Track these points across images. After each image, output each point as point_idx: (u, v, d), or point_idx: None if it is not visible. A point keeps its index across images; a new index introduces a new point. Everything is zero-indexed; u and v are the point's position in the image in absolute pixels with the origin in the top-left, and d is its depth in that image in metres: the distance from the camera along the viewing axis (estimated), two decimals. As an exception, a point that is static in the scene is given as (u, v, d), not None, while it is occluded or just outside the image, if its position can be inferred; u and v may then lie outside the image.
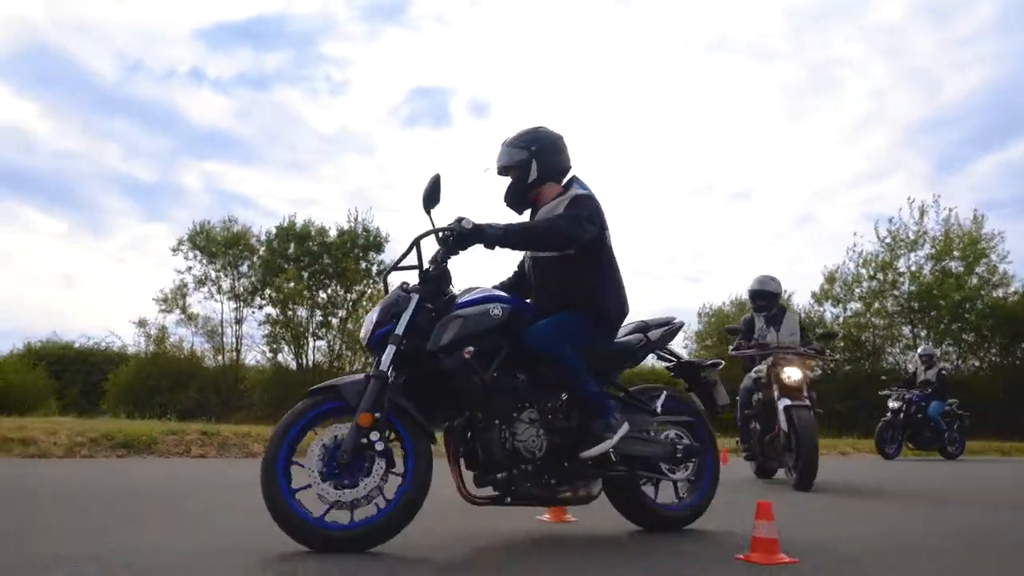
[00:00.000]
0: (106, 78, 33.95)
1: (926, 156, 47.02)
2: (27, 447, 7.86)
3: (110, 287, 36.53)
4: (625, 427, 3.21)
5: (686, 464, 3.50)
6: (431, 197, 3.22)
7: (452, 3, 45.42)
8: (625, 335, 3.60)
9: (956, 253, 24.75)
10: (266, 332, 20.78)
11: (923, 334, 25.53)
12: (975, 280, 24.86)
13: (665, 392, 3.60)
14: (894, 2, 45.32)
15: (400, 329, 3.00)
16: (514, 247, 3.20)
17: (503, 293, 3.39)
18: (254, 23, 40.63)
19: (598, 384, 3.24)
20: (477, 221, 3.08)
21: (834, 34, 46.68)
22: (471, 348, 3.03)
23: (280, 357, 21.28)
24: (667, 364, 3.84)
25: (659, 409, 3.52)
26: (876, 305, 26.20)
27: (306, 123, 41.04)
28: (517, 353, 3.19)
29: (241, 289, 21.07)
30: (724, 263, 45.43)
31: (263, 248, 21.57)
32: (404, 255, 3.25)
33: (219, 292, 21.10)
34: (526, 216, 3.52)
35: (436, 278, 3.17)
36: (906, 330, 26.26)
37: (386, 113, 43.82)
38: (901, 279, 25.65)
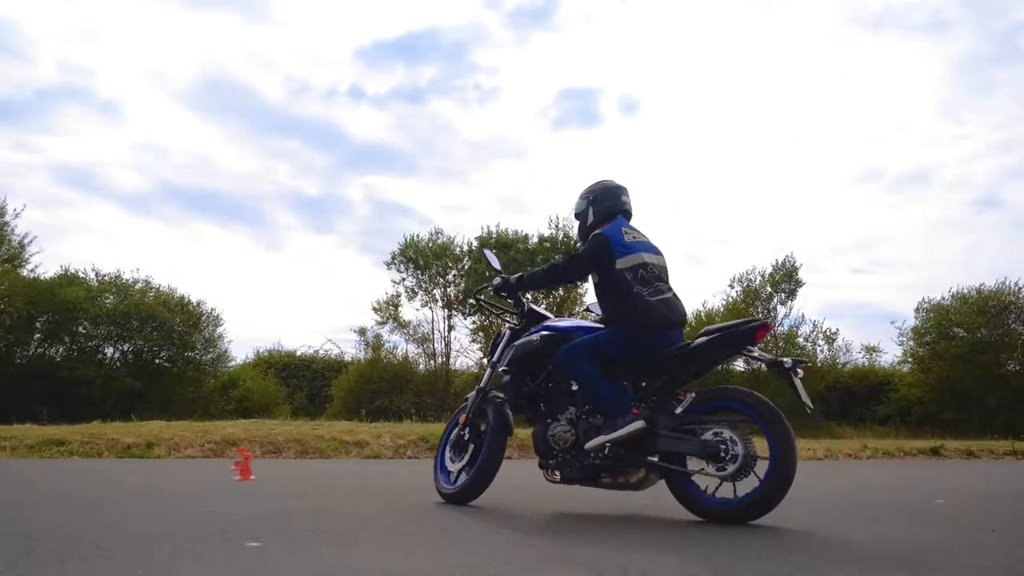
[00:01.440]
0: (276, 101, 36.73)
1: None
2: (362, 449, 8.71)
3: (287, 296, 39.34)
4: (634, 425, 3.71)
5: (729, 462, 3.55)
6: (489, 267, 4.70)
7: (600, 3, 44.56)
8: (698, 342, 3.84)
9: None
10: (478, 339, 21.66)
11: None
12: None
13: (693, 394, 3.83)
14: None
15: (494, 356, 4.45)
16: (534, 289, 5.07)
17: (565, 322, 4.43)
18: (407, 38, 42.29)
19: (612, 387, 3.88)
20: (505, 276, 4.43)
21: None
22: (506, 368, 4.31)
23: (484, 361, 22.10)
24: (762, 362, 3.89)
25: (681, 410, 3.78)
26: None
27: (458, 132, 42.26)
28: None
29: (451, 297, 22.07)
30: (897, 252, 41.79)
31: (466, 257, 22.50)
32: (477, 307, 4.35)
33: (431, 301, 22.21)
34: None
35: (519, 316, 4.51)
36: None
37: (535, 116, 44.15)
38: None
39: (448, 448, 4.44)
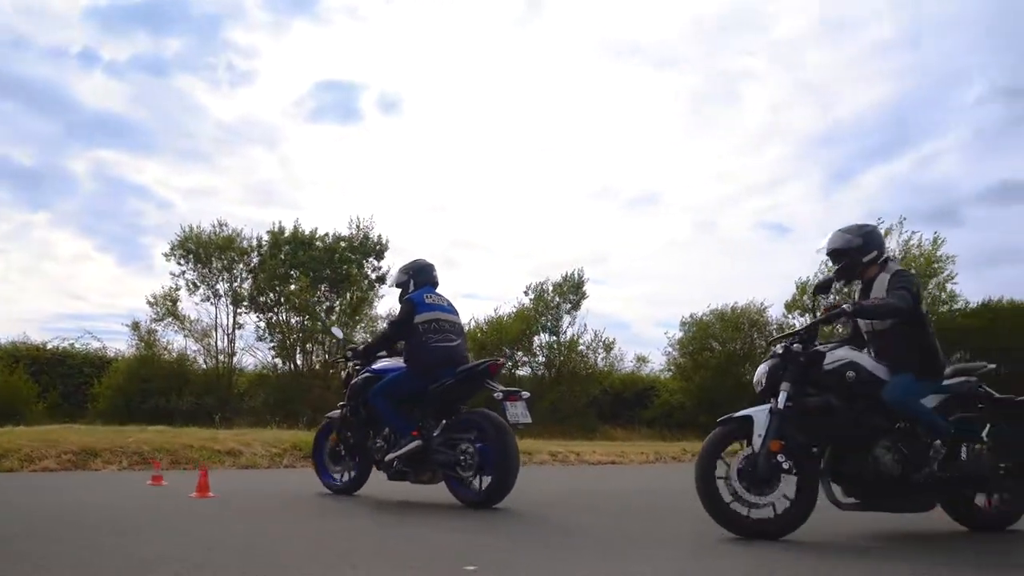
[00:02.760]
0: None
1: (820, 167, 49.85)
2: (236, 458, 8.21)
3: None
4: (412, 445, 5.32)
5: (469, 466, 5.17)
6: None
7: (367, -1, 43.99)
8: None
9: (913, 269, 26.52)
10: (271, 338, 20.77)
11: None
12: (928, 298, 26.72)
13: (453, 417, 5.47)
14: (795, 17, 47.96)
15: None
16: (376, 352, 6.01)
17: (380, 364, 5.90)
18: (151, 4, 38.80)
19: (397, 417, 5.47)
20: (355, 346, 6.15)
21: (736, 46, 48.94)
22: (343, 403, 6.03)
23: (276, 361, 21.27)
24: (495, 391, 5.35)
25: (440, 431, 5.38)
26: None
27: (206, 112, 39.81)
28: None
29: (246, 293, 20.96)
30: (626, 267, 46.59)
31: (255, 253, 21.52)
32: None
33: (215, 296, 20.93)
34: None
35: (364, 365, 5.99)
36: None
37: (291, 105, 42.47)
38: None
39: (327, 457, 6.08)
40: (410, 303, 5.63)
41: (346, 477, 5.93)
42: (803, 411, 4.08)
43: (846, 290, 10.14)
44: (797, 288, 28.72)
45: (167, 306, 20.49)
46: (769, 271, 47.77)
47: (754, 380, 4.36)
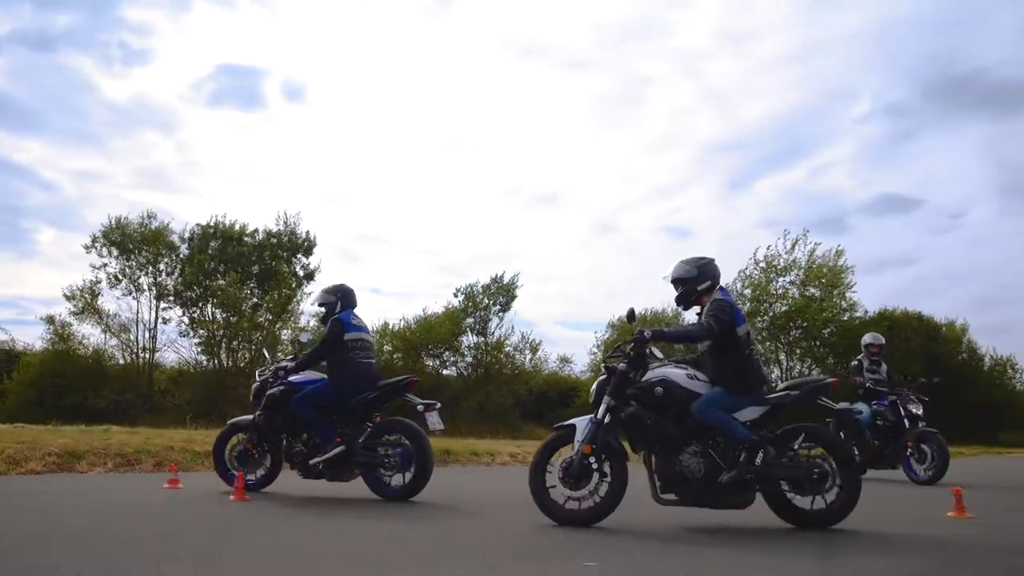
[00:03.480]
0: None
1: (719, 174, 52.47)
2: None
3: None
4: (336, 450, 5.88)
5: (393, 466, 5.87)
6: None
7: (275, -16, 41.97)
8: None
9: (823, 281, 28.29)
10: (193, 334, 20.46)
11: (785, 350, 29.05)
12: (835, 305, 28.56)
13: (375, 423, 6.10)
14: (696, 27, 50.39)
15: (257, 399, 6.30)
16: (308, 367, 6.35)
17: (299, 377, 6.27)
18: None
19: (322, 424, 5.98)
20: (287, 364, 6.41)
21: (640, 52, 51.03)
22: (260, 412, 6.34)
23: (200, 358, 20.97)
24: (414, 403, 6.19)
25: (365, 437, 5.95)
26: (751, 324, 29.42)
27: (97, 91, 38.02)
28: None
29: (172, 288, 20.57)
30: (531, 266, 47.54)
31: (184, 246, 21.19)
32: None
33: (137, 290, 20.50)
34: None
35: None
36: (760, 346, 29.67)
37: (190, 88, 41.26)
38: (777, 301, 28.90)
39: (230, 458, 6.43)
40: (339, 323, 6.15)
41: (255, 477, 6.36)
42: (618, 421, 4.72)
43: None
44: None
45: (85, 300, 19.92)
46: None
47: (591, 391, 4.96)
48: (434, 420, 5.97)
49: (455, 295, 24.86)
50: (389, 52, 49.04)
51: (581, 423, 4.69)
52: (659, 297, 43.45)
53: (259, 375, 6.60)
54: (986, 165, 52.20)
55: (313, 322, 19.88)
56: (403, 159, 49.26)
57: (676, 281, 5.06)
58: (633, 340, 4.75)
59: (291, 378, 6.27)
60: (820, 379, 5.05)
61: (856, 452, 7.65)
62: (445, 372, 24.47)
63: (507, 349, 24.23)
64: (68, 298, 20.01)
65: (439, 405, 6.10)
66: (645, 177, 51.64)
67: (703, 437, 4.64)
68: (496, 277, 24.80)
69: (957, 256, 50.98)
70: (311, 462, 5.96)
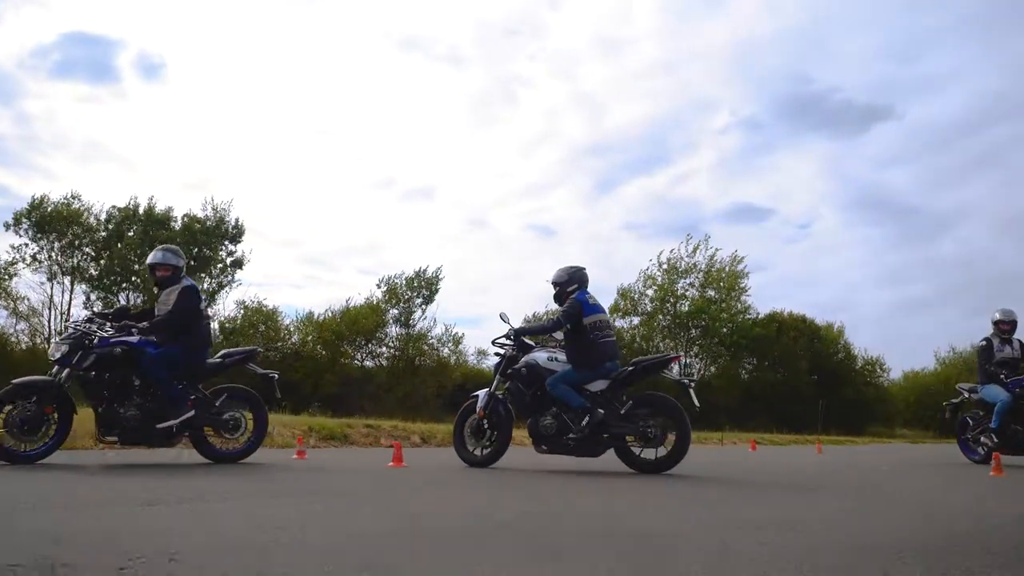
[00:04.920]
0: None
1: (587, 176, 55.35)
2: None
3: None
4: (189, 413, 5.93)
5: (234, 429, 6.25)
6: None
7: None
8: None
9: (723, 284, 30.57)
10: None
11: (689, 347, 31.20)
12: (732, 306, 30.95)
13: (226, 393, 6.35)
14: (572, 31, 53.01)
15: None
16: (157, 332, 6.04)
17: (134, 338, 5.97)
18: None
19: (175, 388, 5.92)
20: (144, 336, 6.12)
21: (518, 53, 53.09)
22: (84, 368, 5.88)
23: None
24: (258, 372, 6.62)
25: (220, 401, 6.30)
26: (655, 322, 31.37)
27: None
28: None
29: (92, 272, 19.87)
30: (401, 257, 47.43)
31: (103, 230, 20.53)
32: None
33: (61, 272, 19.71)
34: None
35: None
36: (662, 344, 31.74)
37: (31, 56, 37.47)
38: (680, 301, 30.96)
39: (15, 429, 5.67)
40: (192, 292, 6.26)
41: (35, 448, 5.66)
42: (507, 392, 6.44)
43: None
44: (619, 294, 32.07)
45: (-1, 281, 19.00)
46: (534, 270, 51.53)
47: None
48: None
49: (377, 286, 25.24)
50: (259, 31, 47.57)
51: (482, 394, 6.40)
52: (526, 292, 45.57)
53: (73, 327, 6.08)
54: (830, 180, 57.52)
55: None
56: (268, 144, 47.64)
57: (554, 284, 6.57)
58: (505, 335, 6.48)
59: (127, 339, 5.90)
60: (663, 355, 6.61)
61: (994, 439, 8.34)
62: (367, 364, 24.77)
63: (431, 341, 24.84)
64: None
65: (276, 375, 6.51)
66: (516, 175, 53.03)
67: (556, 404, 6.10)
68: (420, 270, 25.37)
69: (805, 263, 55.81)
70: (161, 425, 5.81)
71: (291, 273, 43.69)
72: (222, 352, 6.50)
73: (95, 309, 19.86)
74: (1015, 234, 59.72)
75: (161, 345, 5.92)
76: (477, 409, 6.34)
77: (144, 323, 6.01)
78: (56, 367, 5.73)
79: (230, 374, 6.68)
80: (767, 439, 20.73)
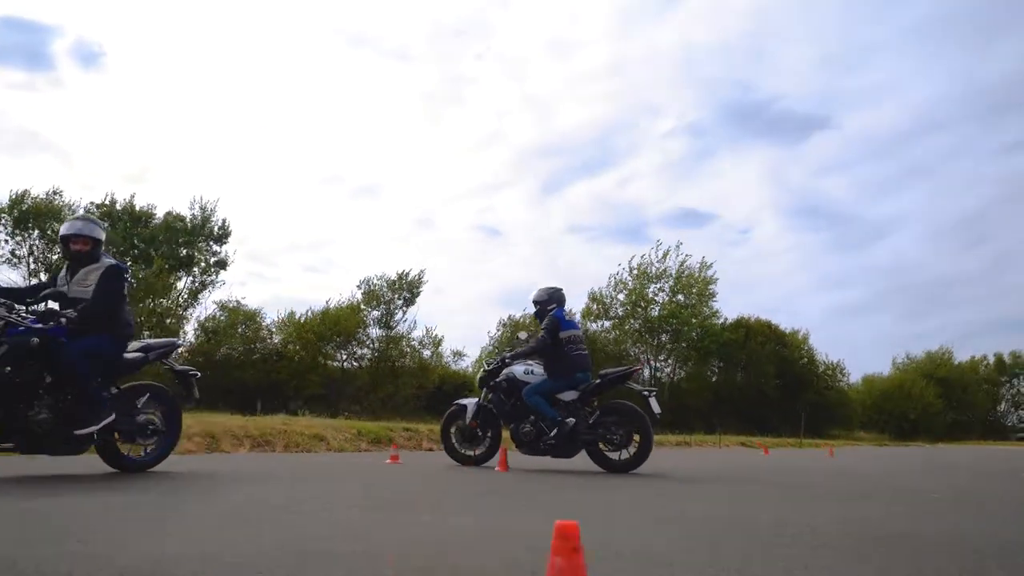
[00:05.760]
0: None
1: (535, 176, 56.15)
2: (326, 443, 9.08)
3: None
4: (109, 419, 4.82)
5: (152, 434, 5.29)
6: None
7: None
8: None
9: (695, 291, 31.35)
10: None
11: (653, 352, 31.95)
12: (701, 311, 31.76)
13: (148, 394, 5.33)
14: (524, 32, 53.66)
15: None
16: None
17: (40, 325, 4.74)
18: None
19: (98, 391, 4.82)
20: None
21: (469, 52, 53.51)
22: None
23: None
24: (173, 371, 5.72)
25: (141, 403, 5.27)
26: (626, 325, 32.00)
27: None
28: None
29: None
30: (347, 255, 47.66)
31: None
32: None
33: (41, 270, 19.30)
34: None
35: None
36: (633, 348, 32.42)
37: None
38: (650, 306, 31.62)
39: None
40: (118, 270, 5.25)
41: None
42: (490, 403, 6.98)
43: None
44: (589, 298, 32.64)
45: (-25, 277, 18.53)
46: (481, 271, 51.94)
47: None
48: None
49: (358, 287, 25.30)
50: (206, 22, 46.69)
51: (471, 405, 6.97)
52: (472, 291, 45.57)
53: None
54: (770, 186, 59.49)
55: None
56: (210, 137, 47.10)
57: (535, 302, 7.25)
58: (500, 358, 7.16)
59: (41, 327, 4.75)
60: (627, 368, 7.10)
61: None
62: (346, 365, 24.80)
63: (413, 343, 24.99)
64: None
65: (197, 373, 5.72)
66: (464, 175, 53.35)
67: (532, 413, 6.67)
68: (402, 273, 25.48)
69: (746, 267, 57.56)
70: (81, 432, 4.77)
71: (232, 269, 42.59)
72: (141, 344, 5.42)
73: None
74: (945, 242, 62.77)
75: (83, 335, 4.81)
76: (468, 420, 6.93)
77: (70, 311, 4.83)
78: None
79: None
80: (770, 443, 21.45)
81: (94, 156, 39.26)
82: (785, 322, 52.32)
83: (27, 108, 38.15)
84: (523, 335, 7.49)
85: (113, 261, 5.09)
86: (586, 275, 48.88)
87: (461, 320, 51.64)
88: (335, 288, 44.97)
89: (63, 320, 4.74)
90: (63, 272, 5.13)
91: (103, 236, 5.20)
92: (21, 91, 37.91)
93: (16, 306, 4.86)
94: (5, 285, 5.41)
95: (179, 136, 44.37)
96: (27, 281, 19.49)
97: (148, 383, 5.49)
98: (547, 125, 53.35)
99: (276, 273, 43.05)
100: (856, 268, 60.55)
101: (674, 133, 55.46)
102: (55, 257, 19.61)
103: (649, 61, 53.95)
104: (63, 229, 5.11)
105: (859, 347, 70.70)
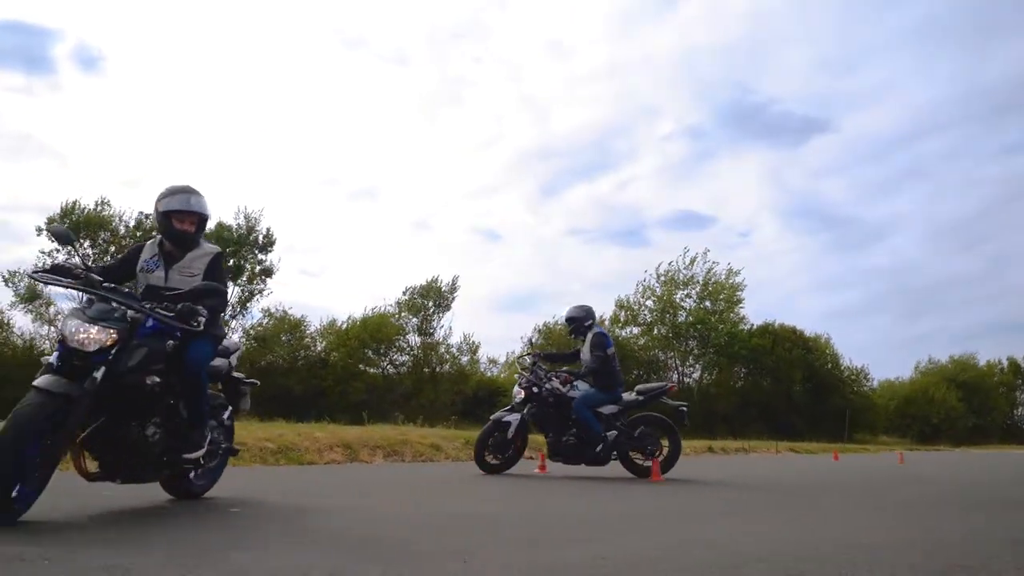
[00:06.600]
0: None
1: (534, 179, 56.23)
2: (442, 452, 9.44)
3: None
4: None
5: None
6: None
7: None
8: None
9: (722, 297, 31.54)
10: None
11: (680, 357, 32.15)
12: (728, 318, 31.96)
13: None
14: (523, 34, 53.69)
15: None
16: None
17: None
18: None
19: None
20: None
21: (467, 55, 53.68)
22: None
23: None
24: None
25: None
26: (654, 331, 32.19)
27: None
28: None
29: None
30: (344, 259, 46.81)
31: (131, 236, 20.33)
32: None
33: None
34: None
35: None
36: (661, 353, 32.62)
37: None
38: (678, 312, 31.82)
39: None
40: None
41: None
42: (531, 414, 7.19)
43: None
44: (617, 305, 32.83)
45: (31, 287, 18.66)
46: (479, 274, 52.05)
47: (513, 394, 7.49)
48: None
49: (403, 293, 25.44)
50: (205, 25, 46.66)
51: (515, 421, 7.07)
52: (472, 293, 45.60)
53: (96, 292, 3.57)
54: (770, 188, 59.72)
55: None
56: (208, 141, 46.96)
57: (569, 319, 7.64)
58: (556, 375, 7.33)
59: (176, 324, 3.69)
60: (662, 386, 7.61)
61: None
62: (383, 372, 24.95)
63: (452, 350, 25.16)
64: (6, 280, 18.65)
65: (255, 383, 4.63)
66: (463, 178, 53.33)
67: (576, 425, 7.05)
68: (432, 279, 25.63)
69: (746, 269, 57.60)
70: (189, 456, 3.90)
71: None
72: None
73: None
74: (942, 244, 63.14)
75: (199, 338, 3.78)
76: (510, 435, 7.07)
77: (181, 304, 3.59)
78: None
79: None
80: (812, 448, 21.50)
81: (91, 160, 39.30)
82: (785, 323, 52.91)
83: (24, 112, 38.16)
84: (528, 360, 7.75)
85: (215, 246, 4.14)
86: (585, 278, 49.02)
87: (460, 323, 53.70)
88: (333, 291, 44.65)
89: (201, 320, 3.63)
90: (150, 256, 3.95)
91: (210, 215, 4.15)
92: (18, 95, 37.91)
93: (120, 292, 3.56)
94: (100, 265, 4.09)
95: (176, 140, 44.38)
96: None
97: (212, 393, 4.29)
98: (546, 127, 53.61)
99: (276, 277, 42.67)
100: (856, 270, 60.86)
101: (673, 135, 55.71)
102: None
103: (648, 63, 54.23)
104: (164, 203, 3.87)
105: (859, 347, 71.11)
